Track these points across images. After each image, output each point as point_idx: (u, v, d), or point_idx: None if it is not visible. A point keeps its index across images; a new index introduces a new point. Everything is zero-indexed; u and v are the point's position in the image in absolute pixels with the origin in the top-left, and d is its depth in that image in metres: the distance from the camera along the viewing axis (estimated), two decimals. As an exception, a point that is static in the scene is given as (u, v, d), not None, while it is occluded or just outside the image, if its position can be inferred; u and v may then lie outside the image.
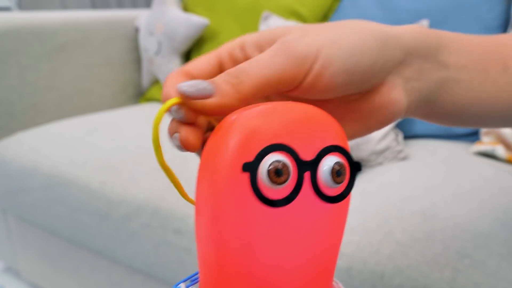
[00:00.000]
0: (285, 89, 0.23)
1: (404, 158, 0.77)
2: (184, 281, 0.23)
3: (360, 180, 0.73)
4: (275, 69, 0.22)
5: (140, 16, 1.22)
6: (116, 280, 0.78)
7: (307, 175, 0.19)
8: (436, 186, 0.62)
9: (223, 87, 0.21)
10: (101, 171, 0.71)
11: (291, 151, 0.19)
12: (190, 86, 0.21)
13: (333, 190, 0.20)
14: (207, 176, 0.20)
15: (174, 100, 0.21)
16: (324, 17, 1.04)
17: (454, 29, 0.89)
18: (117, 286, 0.78)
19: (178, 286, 0.22)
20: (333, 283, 0.24)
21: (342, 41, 0.22)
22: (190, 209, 0.61)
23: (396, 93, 0.24)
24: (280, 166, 0.18)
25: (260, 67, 0.22)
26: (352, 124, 0.26)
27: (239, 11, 1.06)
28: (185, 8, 1.16)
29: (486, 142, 0.78)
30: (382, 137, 0.78)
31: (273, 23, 0.96)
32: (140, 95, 1.28)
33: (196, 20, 1.04)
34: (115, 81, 1.18)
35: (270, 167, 0.18)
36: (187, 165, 0.69)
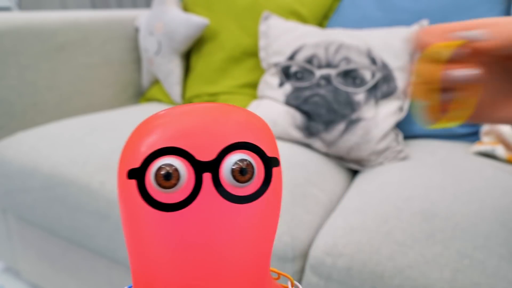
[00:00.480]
0: None
1: (404, 158, 0.77)
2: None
3: (360, 180, 0.73)
4: None
5: (140, 16, 1.22)
6: (116, 280, 0.78)
7: (207, 176, 0.18)
8: (436, 186, 0.62)
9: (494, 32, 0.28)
10: (101, 171, 0.71)
11: (185, 153, 0.18)
12: (476, 33, 0.29)
13: (242, 189, 0.19)
14: (118, 180, 0.20)
15: (458, 42, 0.29)
16: (324, 17, 1.04)
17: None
18: (117, 286, 0.78)
19: None
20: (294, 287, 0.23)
21: None
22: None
23: None
24: (169, 169, 0.17)
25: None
26: None
27: (239, 11, 1.06)
28: (185, 8, 1.16)
29: (486, 142, 0.78)
30: (382, 137, 0.78)
31: (273, 23, 0.96)
32: (140, 95, 1.28)
33: (196, 20, 1.04)
34: (115, 81, 1.18)
35: (157, 172, 0.17)
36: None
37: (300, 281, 0.57)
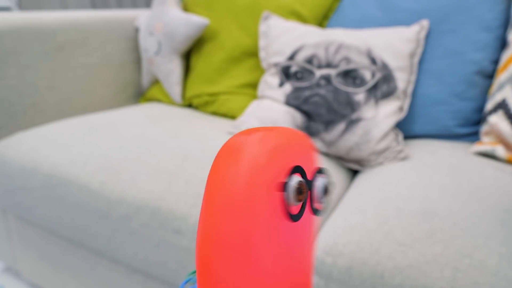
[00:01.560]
0: None
1: (404, 158, 0.77)
2: (188, 281, 0.24)
3: (360, 180, 0.73)
4: None
5: (140, 16, 1.22)
6: (116, 280, 0.78)
7: (308, 193, 0.22)
8: (436, 186, 0.62)
9: None
10: (101, 171, 0.71)
11: (303, 172, 0.21)
12: None
13: (320, 205, 0.22)
14: (223, 193, 0.20)
15: None
16: (324, 17, 1.04)
17: (454, 29, 0.89)
18: (117, 286, 0.78)
19: (184, 285, 0.23)
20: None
21: None
22: (190, 209, 0.61)
23: None
24: (300, 185, 0.20)
25: None
26: None
27: (239, 11, 1.06)
28: (185, 8, 1.16)
29: (486, 142, 0.78)
30: (382, 137, 0.78)
31: (273, 23, 0.96)
32: (140, 95, 1.28)
33: (196, 20, 1.04)
34: (115, 81, 1.18)
35: (296, 187, 0.20)
36: (187, 164, 0.69)
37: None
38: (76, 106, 1.09)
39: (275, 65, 0.89)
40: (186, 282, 0.23)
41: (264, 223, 0.20)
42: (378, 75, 0.80)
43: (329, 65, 0.82)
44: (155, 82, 1.21)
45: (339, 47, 0.83)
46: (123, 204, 0.66)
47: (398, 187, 0.62)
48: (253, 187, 0.19)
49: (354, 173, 0.85)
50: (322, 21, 1.04)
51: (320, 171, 0.22)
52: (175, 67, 1.10)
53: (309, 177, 0.22)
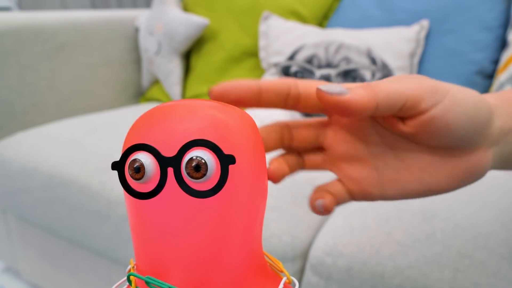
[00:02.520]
0: (409, 111, 0.24)
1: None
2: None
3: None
4: (407, 87, 0.23)
5: (140, 16, 1.22)
6: (116, 280, 0.78)
7: (171, 170, 0.20)
8: None
9: (356, 90, 0.23)
10: (101, 171, 0.71)
11: (152, 149, 0.20)
12: (330, 87, 0.24)
13: (201, 184, 0.20)
14: None
15: None
16: (324, 17, 1.04)
17: (454, 29, 0.89)
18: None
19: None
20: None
21: (467, 90, 0.24)
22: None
23: (487, 156, 0.25)
24: (137, 163, 0.20)
25: (391, 82, 0.24)
26: (439, 178, 0.27)
27: (239, 11, 1.06)
28: (185, 8, 1.16)
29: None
30: (382, 137, 0.78)
31: (273, 23, 0.96)
32: (140, 95, 1.28)
33: (196, 20, 1.04)
34: (115, 81, 1.18)
35: (130, 165, 0.20)
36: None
37: (300, 281, 0.57)
38: (76, 106, 1.09)
39: (275, 65, 0.89)
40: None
41: (127, 199, 0.21)
42: (378, 75, 0.80)
43: (329, 65, 0.82)
44: (155, 82, 1.21)
45: (339, 47, 0.83)
46: (123, 204, 0.66)
47: None
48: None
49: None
50: (322, 21, 1.04)
51: (192, 144, 0.20)
52: (175, 67, 1.10)
53: (170, 153, 0.20)
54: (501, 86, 0.77)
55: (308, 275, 0.55)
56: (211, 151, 0.20)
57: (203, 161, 0.20)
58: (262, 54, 0.95)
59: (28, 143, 0.82)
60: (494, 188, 0.62)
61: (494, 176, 0.65)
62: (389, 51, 0.82)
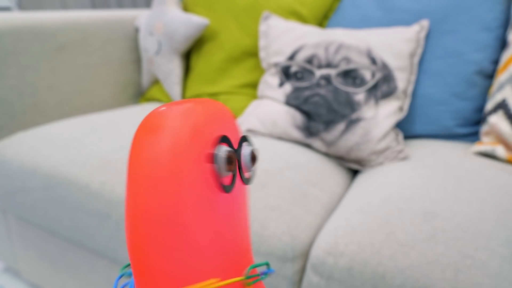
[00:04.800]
0: None
1: (404, 158, 0.77)
2: (122, 276, 0.23)
3: (361, 180, 0.73)
4: None
5: (140, 16, 1.22)
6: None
7: (236, 162, 0.21)
8: (437, 187, 0.62)
9: None
10: (101, 171, 0.71)
11: (229, 142, 0.21)
12: None
13: (249, 173, 0.22)
14: (145, 168, 0.19)
15: None
16: (324, 17, 1.04)
17: (454, 29, 0.89)
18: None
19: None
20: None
21: None
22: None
23: None
24: (230, 155, 0.20)
25: None
26: None
27: (239, 11, 1.06)
28: (185, 8, 1.16)
29: (486, 142, 0.78)
30: (382, 137, 0.78)
31: (273, 23, 0.96)
32: (140, 95, 1.28)
33: (196, 20, 1.04)
34: (115, 81, 1.18)
35: (224, 157, 0.20)
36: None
37: (301, 280, 0.57)
38: (76, 106, 1.09)
39: (275, 65, 0.89)
40: (120, 277, 0.23)
41: (196, 197, 0.19)
42: (378, 75, 0.80)
43: (329, 65, 0.82)
44: (155, 82, 1.21)
45: (339, 47, 0.83)
46: (123, 204, 0.66)
47: (399, 188, 0.62)
48: (179, 161, 0.19)
49: (354, 173, 0.85)
50: (322, 21, 1.04)
51: (244, 139, 0.22)
52: (175, 67, 1.10)
53: (234, 146, 0.21)
54: (501, 86, 0.77)
55: (309, 274, 0.55)
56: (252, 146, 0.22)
57: (255, 153, 0.22)
58: (262, 54, 0.95)
59: (28, 143, 0.82)
60: (495, 188, 0.62)
61: (494, 177, 0.66)
62: (389, 51, 0.82)
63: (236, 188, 0.21)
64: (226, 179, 0.20)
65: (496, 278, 0.45)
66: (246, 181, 0.22)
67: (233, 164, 0.20)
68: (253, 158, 0.22)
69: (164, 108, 0.20)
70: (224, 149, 0.20)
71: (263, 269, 0.25)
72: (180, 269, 0.19)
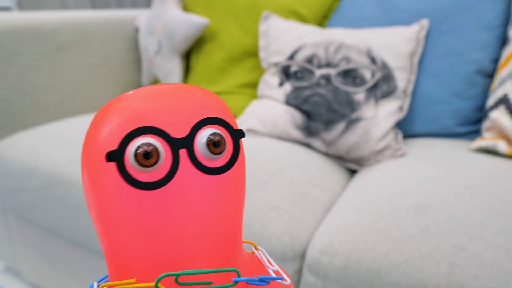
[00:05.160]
0: None
1: (402, 155, 0.77)
2: (98, 281, 0.22)
3: (356, 179, 0.73)
4: None
5: (140, 16, 1.22)
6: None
7: (183, 152, 0.19)
8: (430, 180, 0.62)
9: None
10: (101, 171, 0.71)
11: (160, 132, 0.18)
12: None
13: (216, 161, 0.20)
14: (84, 166, 0.20)
15: None
16: (324, 17, 1.04)
17: (454, 28, 0.89)
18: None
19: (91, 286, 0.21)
20: (258, 251, 0.24)
21: None
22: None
23: None
24: (148, 149, 0.18)
25: None
26: None
27: (239, 11, 1.06)
28: (185, 8, 1.16)
29: (488, 138, 0.78)
30: (382, 137, 0.78)
31: (273, 23, 0.96)
32: (140, 95, 1.28)
33: (196, 20, 1.04)
34: (115, 81, 1.18)
35: (137, 152, 0.18)
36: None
37: (298, 281, 0.57)
38: (76, 106, 1.09)
39: (275, 64, 0.89)
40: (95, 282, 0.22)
41: (110, 196, 0.18)
42: (378, 75, 0.80)
43: (329, 64, 0.82)
44: (155, 82, 1.21)
45: (339, 46, 0.83)
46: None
47: (392, 184, 0.62)
48: (94, 162, 0.18)
49: (353, 172, 0.85)
50: (322, 21, 1.04)
51: (203, 123, 0.19)
52: (175, 67, 1.10)
53: (181, 134, 0.19)
54: (502, 82, 0.77)
55: (306, 275, 0.55)
56: (222, 128, 0.20)
57: (222, 137, 0.19)
58: (262, 54, 0.95)
59: (28, 143, 0.82)
60: (489, 178, 0.62)
61: (490, 169, 0.65)
62: (389, 50, 0.82)
63: (187, 181, 0.19)
64: (152, 174, 0.18)
65: (491, 269, 0.45)
66: (209, 171, 0.19)
67: (153, 158, 0.18)
68: (216, 143, 0.19)
69: (109, 102, 0.20)
70: (137, 143, 0.18)
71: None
72: (121, 263, 0.20)
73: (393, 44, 0.83)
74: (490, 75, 0.84)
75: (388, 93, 0.81)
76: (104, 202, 0.19)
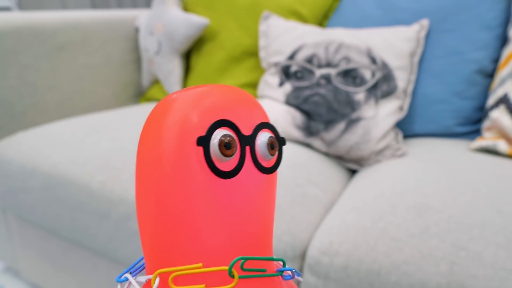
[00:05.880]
0: None
1: (402, 155, 0.77)
2: (128, 270, 0.23)
3: (357, 179, 0.73)
4: None
5: (140, 16, 1.22)
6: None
7: (247, 148, 0.21)
8: (430, 180, 0.62)
9: None
10: (101, 171, 0.71)
11: (234, 127, 0.20)
12: None
13: (268, 162, 0.21)
14: (150, 153, 0.20)
15: None
16: (324, 17, 1.04)
17: (454, 28, 0.89)
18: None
19: (122, 276, 0.22)
20: (292, 272, 0.24)
21: None
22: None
23: None
24: (228, 139, 0.19)
25: None
26: None
27: (239, 11, 1.06)
28: (185, 8, 1.16)
29: (488, 137, 0.78)
30: (382, 137, 0.78)
31: (273, 23, 0.96)
32: (140, 95, 1.28)
33: (196, 20, 1.04)
34: (115, 81, 1.18)
35: (220, 141, 0.19)
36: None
37: (299, 281, 0.57)
38: (76, 106, 1.09)
39: (275, 64, 0.89)
40: (126, 271, 0.23)
41: (194, 182, 0.19)
42: (378, 75, 0.80)
43: (329, 64, 0.82)
44: (155, 82, 1.21)
45: (339, 46, 0.83)
46: (123, 203, 0.66)
47: (392, 183, 0.62)
48: (180, 145, 0.19)
49: (354, 172, 0.85)
50: (322, 20, 1.04)
51: (262, 126, 0.21)
52: (175, 67, 1.10)
53: (246, 132, 0.21)
54: (502, 81, 0.77)
55: (307, 275, 0.55)
56: (273, 133, 0.22)
57: (276, 141, 0.21)
58: (262, 54, 0.95)
59: (28, 143, 0.82)
60: (490, 177, 0.62)
61: (491, 167, 0.65)
62: (389, 50, 0.82)
63: (247, 176, 0.21)
64: (225, 164, 0.20)
65: (492, 268, 0.45)
66: (263, 170, 0.21)
67: (232, 149, 0.19)
68: (272, 145, 0.21)
69: (174, 94, 0.21)
70: (220, 133, 0.19)
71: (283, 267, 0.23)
72: (184, 250, 0.20)
73: (393, 44, 0.83)
74: (490, 75, 0.84)
75: (388, 93, 0.81)
76: (182, 185, 0.20)
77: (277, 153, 0.22)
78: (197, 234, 0.20)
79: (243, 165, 0.20)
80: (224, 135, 0.19)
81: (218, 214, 0.20)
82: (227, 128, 0.20)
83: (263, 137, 0.21)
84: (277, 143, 0.22)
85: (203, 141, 0.19)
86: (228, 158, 0.19)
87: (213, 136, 0.19)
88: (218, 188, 0.20)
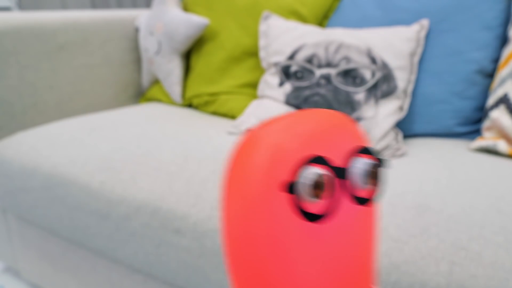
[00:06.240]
0: None
1: (402, 155, 0.77)
2: None
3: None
4: None
5: (140, 16, 1.22)
6: (116, 280, 0.78)
7: (342, 182, 0.18)
8: (430, 180, 0.61)
9: None
10: (101, 171, 0.71)
11: (324, 161, 0.17)
12: None
13: (365, 191, 0.18)
14: (235, 197, 0.18)
15: None
16: (324, 17, 1.04)
17: (454, 28, 0.89)
18: (117, 286, 0.78)
19: None
20: None
21: None
22: (190, 209, 0.61)
23: None
24: (320, 179, 0.17)
25: None
26: None
27: (239, 11, 1.06)
28: (185, 8, 1.16)
29: (488, 137, 0.78)
30: (382, 137, 0.78)
31: (273, 23, 0.96)
32: (140, 95, 1.28)
33: (196, 20, 1.04)
34: (115, 81, 1.18)
35: (310, 182, 0.17)
36: (187, 163, 0.69)
37: None
38: (76, 106, 1.09)
39: (275, 64, 0.89)
40: None
41: (283, 229, 0.17)
42: (378, 75, 0.80)
43: (329, 64, 0.82)
44: (155, 82, 1.21)
45: (339, 46, 0.83)
46: (123, 204, 0.66)
47: (392, 183, 0.62)
48: (265, 187, 0.17)
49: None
50: (322, 20, 1.04)
51: (361, 151, 0.19)
52: (175, 67, 1.10)
53: (341, 162, 0.18)
54: (502, 81, 0.77)
55: None
56: (374, 158, 0.19)
57: (375, 168, 0.18)
58: (262, 54, 0.95)
59: (28, 143, 0.82)
60: (490, 177, 0.61)
61: (491, 167, 0.65)
62: (389, 50, 0.82)
63: (345, 211, 0.18)
64: (318, 205, 0.17)
65: (492, 268, 0.45)
66: (361, 201, 0.18)
67: (321, 188, 0.17)
68: (372, 174, 0.18)
69: (262, 128, 0.18)
70: (309, 174, 0.17)
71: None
72: None
73: (393, 44, 0.83)
74: (490, 75, 0.84)
75: (388, 93, 0.81)
76: (271, 234, 0.17)
77: (377, 180, 0.19)
78: (296, 273, 0.18)
79: (338, 202, 0.18)
80: (315, 175, 0.17)
81: (314, 261, 0.18)
82: (318, 164, 0.17)
83: (361, 165, 0.18)
84: (377, 169, 0.19)
85: (292, 188, 0.17)
86: (316, 199, 0.17)
87: (303, 177, 0.17)
88: (311, 232, 0.18)
